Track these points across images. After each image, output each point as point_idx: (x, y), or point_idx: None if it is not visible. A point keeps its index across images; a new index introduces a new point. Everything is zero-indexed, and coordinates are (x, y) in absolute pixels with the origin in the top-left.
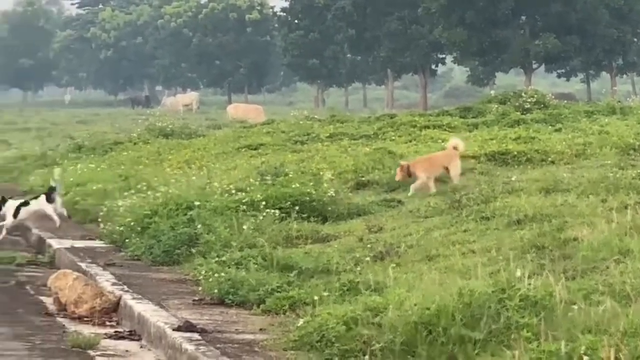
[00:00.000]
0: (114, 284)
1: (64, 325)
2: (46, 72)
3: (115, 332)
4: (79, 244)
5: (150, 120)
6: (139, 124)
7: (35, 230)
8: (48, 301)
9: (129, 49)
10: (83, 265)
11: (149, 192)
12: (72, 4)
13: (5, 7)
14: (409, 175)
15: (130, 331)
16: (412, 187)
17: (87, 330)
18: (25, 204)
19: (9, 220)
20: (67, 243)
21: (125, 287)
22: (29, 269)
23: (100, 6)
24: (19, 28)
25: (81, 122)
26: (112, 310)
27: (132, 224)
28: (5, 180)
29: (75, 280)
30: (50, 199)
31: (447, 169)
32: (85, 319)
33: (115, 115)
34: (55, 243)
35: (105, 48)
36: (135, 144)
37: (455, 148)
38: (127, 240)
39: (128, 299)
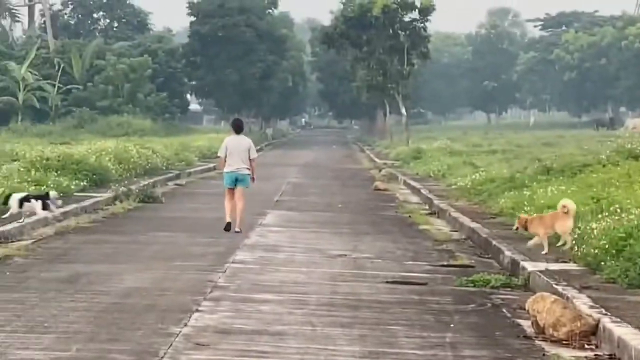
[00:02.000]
0: (590, 307)
1: (543, 348)
2: (509, 94)
3: (595, 355)
4: (554, 266)
5: (617, 142)
6: (606, 145)
7: (508, 253)
8: (526, 324)
9: (592, 70)
10: (559, 288)
11: (622, 215)
12: (535, 26)
13: (469, 30)
14: (525, 229)
15: (610, 355)
16: (529, 243)
17: (566, 353)
18: (27, 199)
19: (15, 210)
20: (542, 266)
21: (603, 310)
22: (504, 292)
23: (564, 28)
24: (482, 51)
25: (546, 144)
26: (590, 334)
27: (606, 246)
28: (474, 202)
29: (553, 303)
30: (45, 206)
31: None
32: (564, 342)
33: (580, 137)
34: (529, 266)
35: (569, 70)
36: (603, 165)
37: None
38: (601, 263)
39: (606, 322)
